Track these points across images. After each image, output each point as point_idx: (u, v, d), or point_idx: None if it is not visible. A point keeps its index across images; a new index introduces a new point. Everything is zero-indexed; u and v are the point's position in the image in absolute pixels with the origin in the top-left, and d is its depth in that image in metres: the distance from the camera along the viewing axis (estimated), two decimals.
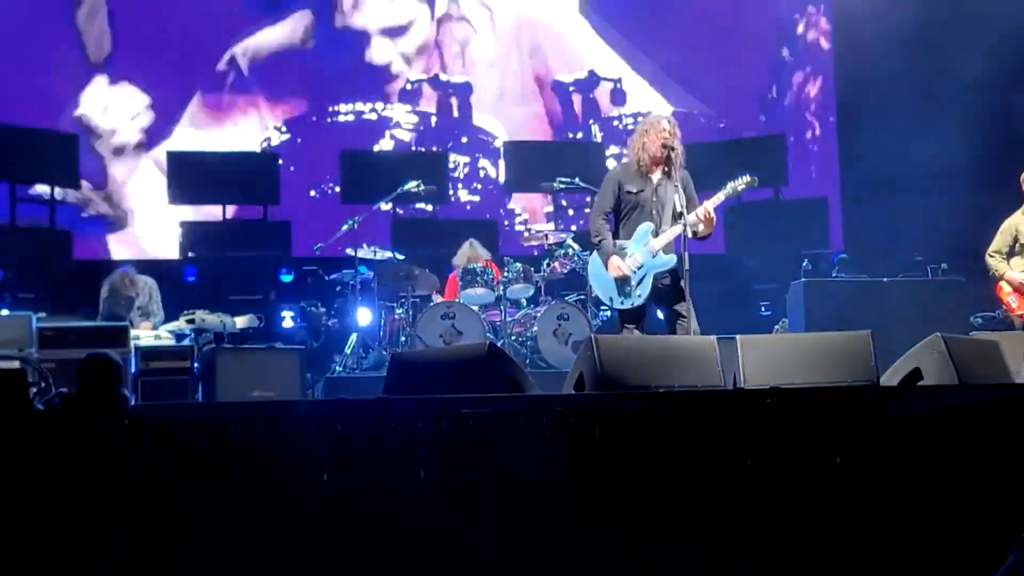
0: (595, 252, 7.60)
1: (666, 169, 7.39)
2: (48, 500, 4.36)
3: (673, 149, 7.35)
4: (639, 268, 7.31)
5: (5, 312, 9.36)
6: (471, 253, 10.50)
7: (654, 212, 7.37)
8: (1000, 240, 8.88)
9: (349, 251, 10.17)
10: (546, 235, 10.64)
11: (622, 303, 7.38)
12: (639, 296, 7.32)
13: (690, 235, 7.19)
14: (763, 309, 11.38)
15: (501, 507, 4.71)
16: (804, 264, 10.83)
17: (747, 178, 7.50)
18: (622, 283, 7.35)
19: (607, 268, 7.37)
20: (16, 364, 7.36)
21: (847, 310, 9.25)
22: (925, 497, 4.97)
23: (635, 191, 7.40)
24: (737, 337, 6.33)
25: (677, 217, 7.25)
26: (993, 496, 4.98)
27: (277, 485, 4.56)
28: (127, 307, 9.90)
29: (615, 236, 7.50)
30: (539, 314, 9.81)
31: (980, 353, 6.41)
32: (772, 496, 4.93)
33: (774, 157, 12.16)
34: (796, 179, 12.79)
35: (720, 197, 7.44)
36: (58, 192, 11.51)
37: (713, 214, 7.29)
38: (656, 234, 7.33)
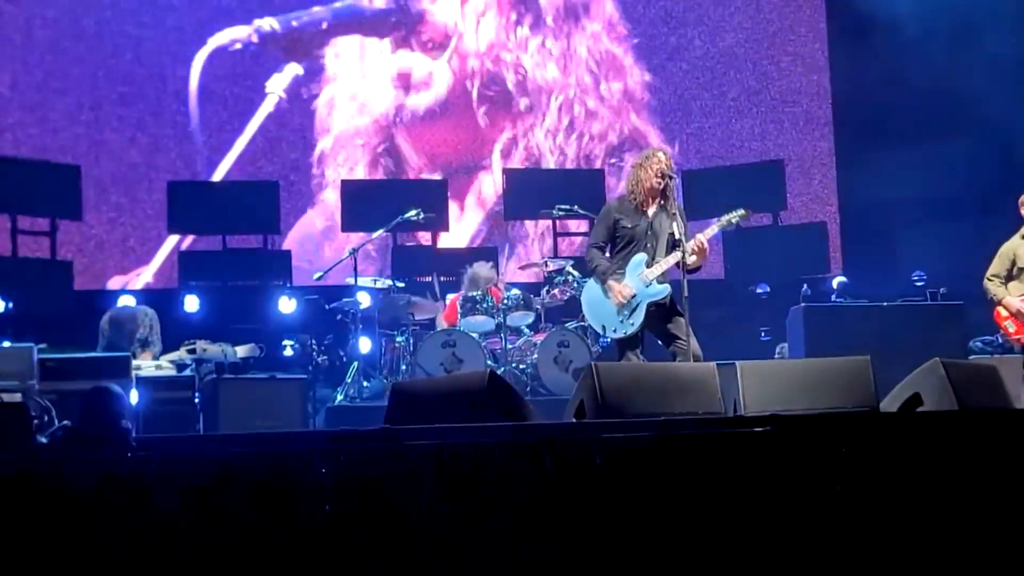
0: (588, 282, 7.70)
1: (661, 202, 7.47)
2: (50, 534, 4.36)
3: (670, 179, 7.44)
4: (632, 297, 7.36)
5: (7, 344, 9.36)
6: (485, 274, 10.41)
7: (648, 245, 7.44)
8: (998, 264, 8.91)
9: (349, 280, 10.20)
10: (545, 262, 10.69)
11: (615, 332, 7.45)
12: (632, 324, 7.39)
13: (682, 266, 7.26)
14: (763, 334, 11.39)
15: (503, 537, 4.71)
16: (803, 289, 10.85)
17: (741, 211, 7.62)
18: (615, 312, 7.40)
19: (607, 293, 7.42)
20: (18, 397, 7.37)
21: (846, 335, 9.26)
22: (926, 524, 4.97)
23: (630, 225, 7.48)
24: (737, 363, 6.36)
25: (675, 245, 7.31)
26: (995, 523, 4.98)
27: (279, 517, 4.56)
28: (128, 339, 9.93)
29: None
30: (539, 341, 9.83)
31: (980, 378, 6.42)
32: (772, 524, 4.93)
33: (772, 183, 12.19)
34: (795, 204, 12.84)
35: (713, 229, 7.55)
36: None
37: (706, 245, 7.37)
38: (650, 265, 7.39)
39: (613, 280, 7.41)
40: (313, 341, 10.63)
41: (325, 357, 10.67)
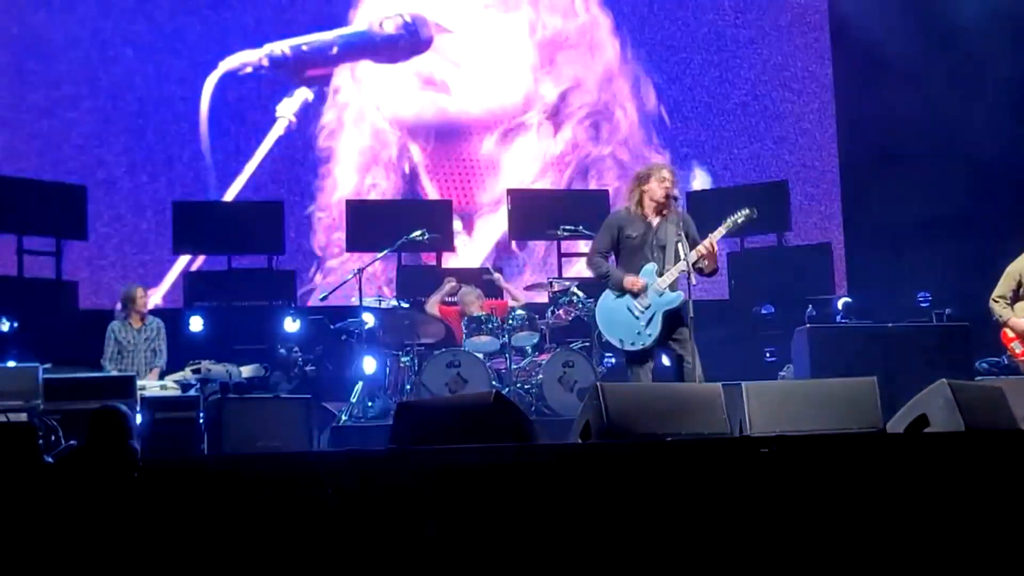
0: (602, 296, 7.63)
1: (664, 213, 7.46)
2: (58, 554, 4.36)
3: (676, 199, 7.45)
4: (647, 308, 7.33)
5: (12, 364, 9.37)
6: (471, 300, 10.48)
7: (653, 254, 7.42)
8: (1004, 285, 8.89)
9: (354, 300, 10.22)
10: (550, 283, 10.69)
11: (632, 344, 7.39)
12: (649, 336, 7.34)
13: (694, 272, 7.23)
14: (768, 355, 11.38)
15: (508, 558, 4.70)
16: (808, 310, 10.84)
17: (746, 211, 7.55)
18: (631, 324, 7.36)
19: (624, 288, 7.36)
20: (24, 416, 7.38)
21: (852, 356, 9.25)
22: (933, 545, 4.95)
23: (635, 235, 7.46)
24: (743, 384, 6.35)
25: (679, 256, 7.30)
26: (1002, 544, 4.96)
27: (285, 537, 4.56)
28: (130, 330, 10.00)
29: None
30: (544, 362, 9.83)
31: (986, 399, 6.40)
32: (777, 544, 4.92)
33: (777, 203, 12.20)
34: (799, 224, 12.85)
35: (720, 231, 7.49)
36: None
37: (715, 248, 7.34)
38: (660, 274, 7.37)
39: (628, 274, 7.36)
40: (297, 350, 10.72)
41: (313, 367, 10.72)
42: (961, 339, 9.75)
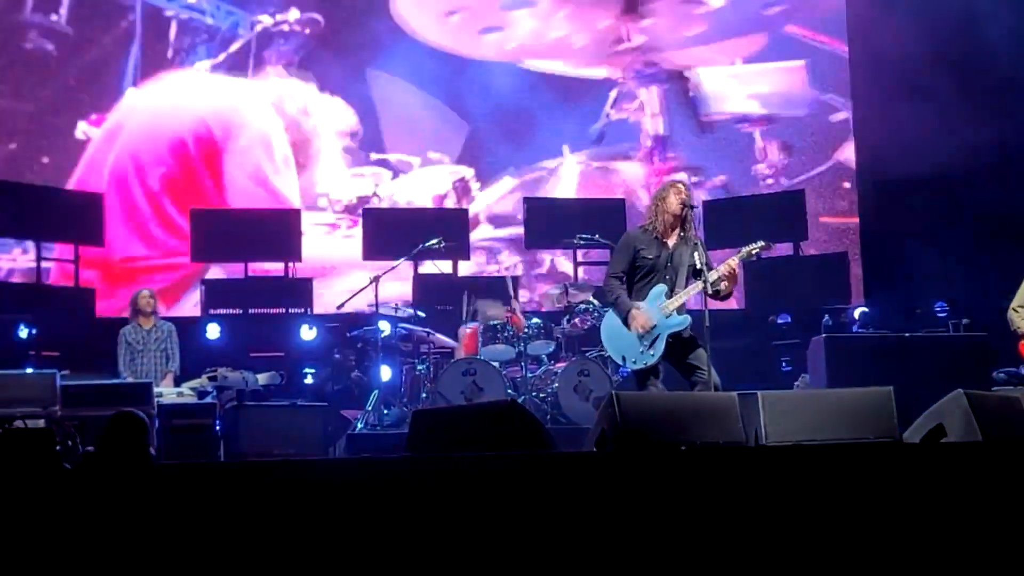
0: (608, 313, 7.68)
1: (681, 233, 7.48)
2: (75, 560, 4.37)
3: (691, 208, 7.46)
4: (652, 328, 7.35)
5: (30, 370, 9.42)
6: (491, 312, 10.44)
7: (668, 276, 7.44)
8: (1022, 295, 8.85)
9: (370, 308, 10.23)
10: (566, 290, 10.69)
11: (635, 363, 7.42)
12: (652, 356, 7.36)
13: (711, 293, 7.26)
14: (784, 365, 11.35)
15: (523, 566, 4.71)
16: (825, 320, 10.81)
17: (761, 243, 7.63)
18: (635, 343, 7.38)
19: (628, 323, 7.41)
20: (42, 423, 7.41)
21: (868, 366, 9.23)
22: (949, 557, 4.94)
23: (651, 256, 7.47)
24: (759, 393, 6.34)
25: (696, 274, 7.32)
26: (1019, 555, 4.94)
27: (300, 544, 4.57)
28: (141, 333, 10.06)
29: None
30: (560, 370, 9.83)
31: (1004, 409, 6.38)
32: (793, 554, 4.91)
33: (793, 213, 12.18)
34: (816, 234, 12.82)
35: (735, 260, 7.50)
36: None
37: (737, 270, 7.38)
38: (670, 295, 7.39)
39: (636, 310, 7.40)
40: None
41: (359, 374, 10.79)
42: (979, 349, 9.71)
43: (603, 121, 13.62)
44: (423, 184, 13.34)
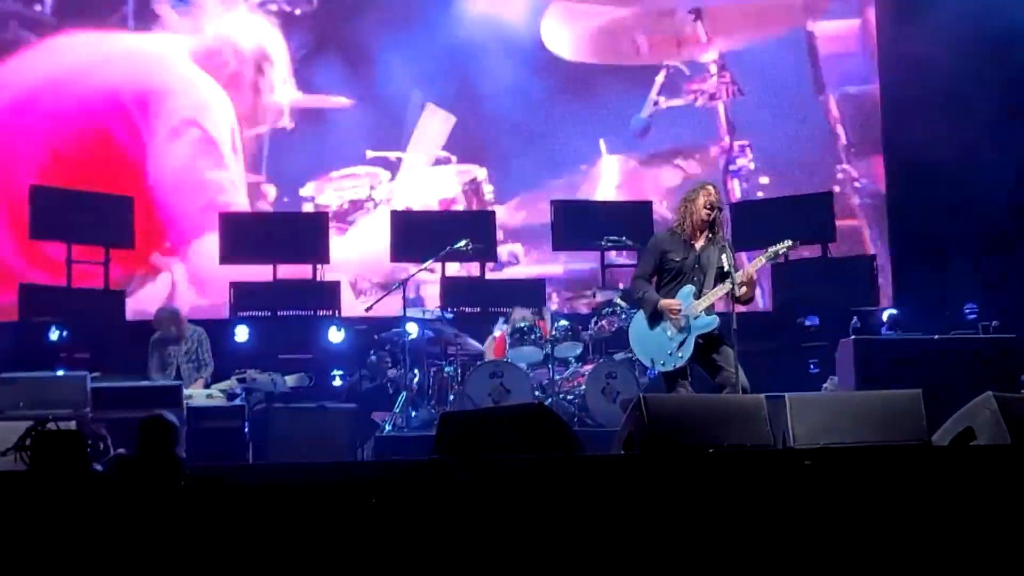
0: (635, 316, 7.67)
1: (709, 235, 7.47)
2: (107, 561, 4.41)
3: (719, 210, 7.45)
4: (681, 330, 7.34)
5: (61, 372, 9.49)
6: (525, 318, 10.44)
7: (696, 278, 7.43)
8: None
9: (398, 310, 10.26)
10: (594, 293, 10.69)
11: (663, 365, 7.41)
12: (680, 358, 7.35)
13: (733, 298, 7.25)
14: (812, 367, 11.30)
15: (551, 568, 4.71)
16: (853, 322, 10.76)
17: (788, 242, 7.58)
18: (663, 345, 7.37)
19: (656, 319, 7.39)
20: (73, 425, 7.47)
21: (897, 368, 9.17)
22: (978, 560, 4.92)
23: (678, 259, 7.47)
24: (786, 396, 6.33)
25: (724, 276, 7.30)
26: None
27: (329, 546, 4.59)
28: (172, 342, 10.10)
29: None
30: (587, 372, 9.84)
31: None
32: (823, 558, 4.90)
33: (821, 214, 12.12)
34: (844, 235, 12.76)
35: (761, 260, 7.50)
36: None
37: (755, 276, 7.36)
38: (698, 297, 7.37)
39: (664, 300, 7.38)
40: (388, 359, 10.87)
41: (394, 371, 10.80)
42: (1008, 351, 9.64)
43: (649, 110, 13.15)
44: (427, 186, 12.92)
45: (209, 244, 12.07)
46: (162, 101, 12.59)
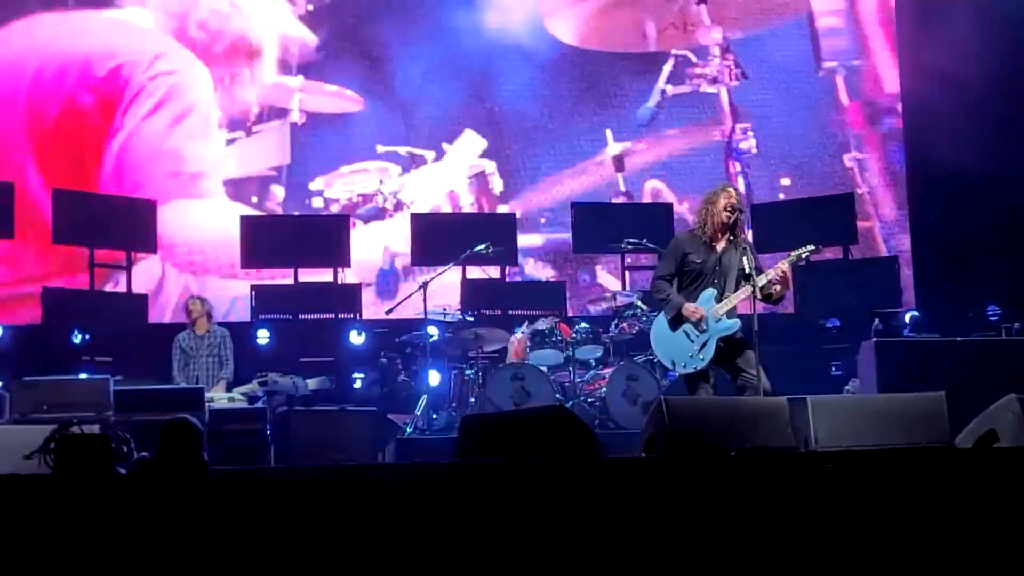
0: (656, 318, 7.66)
1: (730, 237, 7.46)
2: (132, 564, 4.43)
3: (740, 212, 7.44)
4: (703, 333, 7.33)
5: (84, 376, 9.54)
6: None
7: (717, 280, 7.42)
8: None
9: (419, 313, 10.28)
10: (614, 296, 10.68)
11: (684, 367, 7.41)
12: (702, 360, 7.35)
13: (760, 298, 7.22)
14: (834, 369, 11.27)
15: (572, 572, 4.71)
16: (875, 324, 10.73)
17: (811, 247, 7.59)
18: (685, 347, 7.36)
19: (678, 321, 7.39)
20: (96, 428, 7.50)
21: (919, 370, 9.14)
22: (1002, 563, 4.90)
23: (699, 260, 7.46)
24: (808, 398, 6.32)
25: (745, 279, 7.29)
26: None
27: (351, 549, 4.61)
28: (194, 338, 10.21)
29: None
30: (608, 375, 9.83)
31: None
32: (846, 561, 4.89)
33: (843, 215, 12.09)
34: (866, 237, 12.73)
35: (784, 264, 7.47)
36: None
37: (789, 273, 7.35)
38: (719, 299, 7.36)
39: (688, 304, 7.38)
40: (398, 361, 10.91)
41: (406, 378, 10.84)
42: None
43: (656, 99, 13.16)
44: (435, 180, 12.95)
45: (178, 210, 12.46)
46: (135, 70, 12.71)
